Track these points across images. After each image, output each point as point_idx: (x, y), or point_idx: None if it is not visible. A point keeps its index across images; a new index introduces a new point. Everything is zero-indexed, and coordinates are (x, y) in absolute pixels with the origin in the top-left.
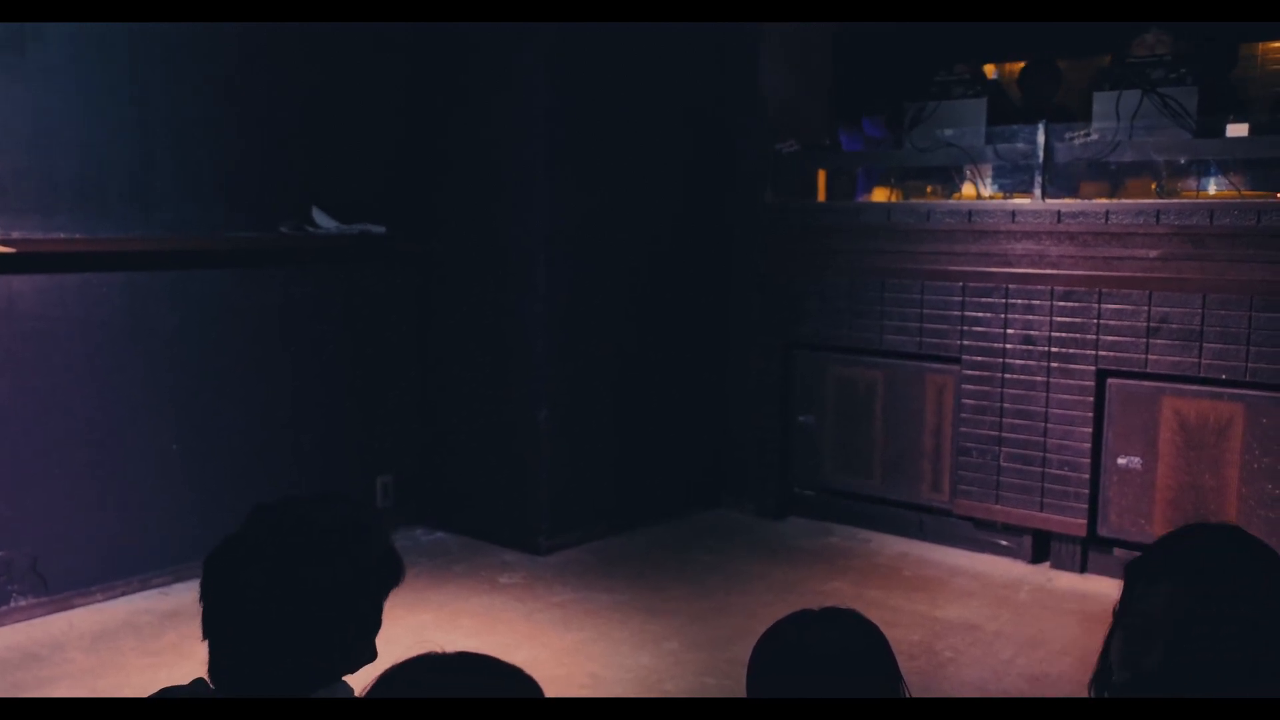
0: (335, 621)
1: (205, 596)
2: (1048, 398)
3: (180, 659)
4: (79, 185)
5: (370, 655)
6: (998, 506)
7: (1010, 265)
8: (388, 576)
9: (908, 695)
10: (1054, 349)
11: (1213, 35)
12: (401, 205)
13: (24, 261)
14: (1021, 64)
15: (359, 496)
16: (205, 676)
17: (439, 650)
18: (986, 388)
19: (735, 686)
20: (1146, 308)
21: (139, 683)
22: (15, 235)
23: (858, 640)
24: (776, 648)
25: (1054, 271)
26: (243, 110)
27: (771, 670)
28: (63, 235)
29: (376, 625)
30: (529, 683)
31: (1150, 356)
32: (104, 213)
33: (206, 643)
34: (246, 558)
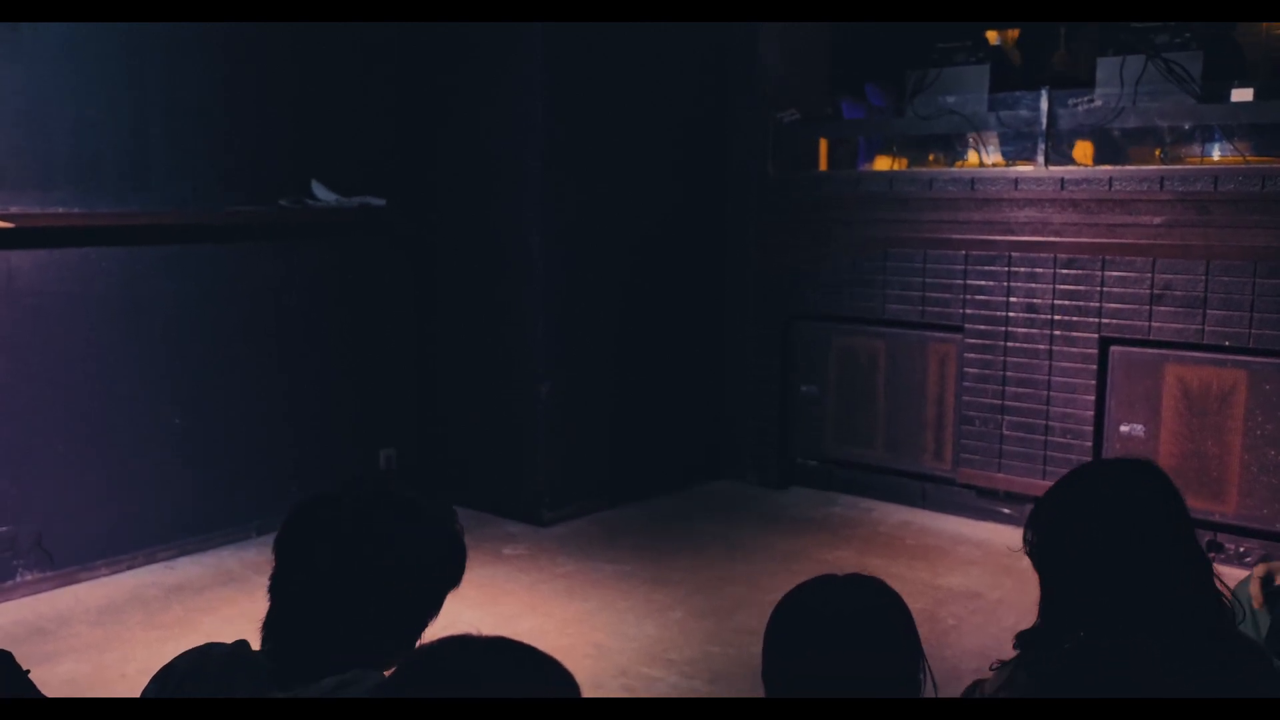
0: (404, 594)
1: (289, 541)
2: (1050, 366)
3: (186, 632)
4: (76, 160)
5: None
6: (1000, 475)
7: (1013, 233)
8: (457, 569)
9: (926, 665)
10: (1057, 317)
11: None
12: (400, 179)
13: (22, 237)
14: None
15: (365, 470)
16: (239, 639)
17: (472, 632)
18: (989, 356)
19: (740, 655)
20: (1150, 275)
21: (145, 656)
22: (14, 210)
23: (879, 606)
24: (797, 609)
25: (1057, 239)
26: (239, 83)
27: (790, 632)
28: (60, 210)
29: (428, 620)
30: (567, 677)
31: (1153, 324)
32: (102, 187)
33: (271, 592)
34: (344, 509)
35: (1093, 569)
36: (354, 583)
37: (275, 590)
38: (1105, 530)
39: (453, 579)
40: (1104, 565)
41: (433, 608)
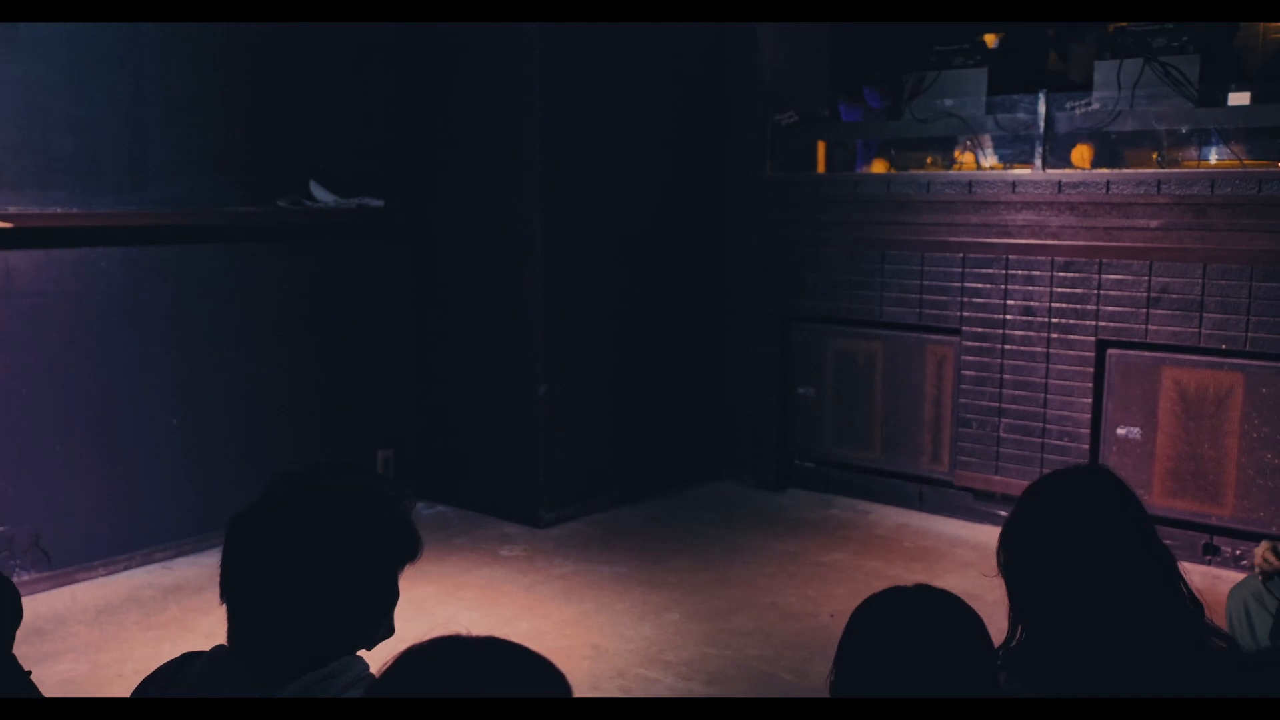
0: (348, 588)
1: (225, 559)
2: (1048, 368)
3: (182, 632)
4: (74, 160)
5: (388, 631)
6: (997, 477)
7: (1010, 236)
8: (402, 547)
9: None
10: (1054, 320)
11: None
12: (399, 179)
13: (21, 236)
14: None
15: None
16: (217, 645)
17: (462, 632)
18: (986, 359)
19: (737, 657)
20: (1147, 278)
21: (141, 656)
22: (12, 210)
23: (958, 614)
24: (885, 614)
25: (1054, 242)
26: (238, 83)
27: (872, 635)
28: (59, 210)
29: (392, 598)
30: (558, 678)
31: (1150, 327)
32: (100, 187)
33: (225, 607)
34: (264, 519)
35: (1067, 581)
36: (301, 585)
37: (231, 605)
38: (1073, 543)
39: (403, 556)
40: (1077, 576)
41: (390, 586)
